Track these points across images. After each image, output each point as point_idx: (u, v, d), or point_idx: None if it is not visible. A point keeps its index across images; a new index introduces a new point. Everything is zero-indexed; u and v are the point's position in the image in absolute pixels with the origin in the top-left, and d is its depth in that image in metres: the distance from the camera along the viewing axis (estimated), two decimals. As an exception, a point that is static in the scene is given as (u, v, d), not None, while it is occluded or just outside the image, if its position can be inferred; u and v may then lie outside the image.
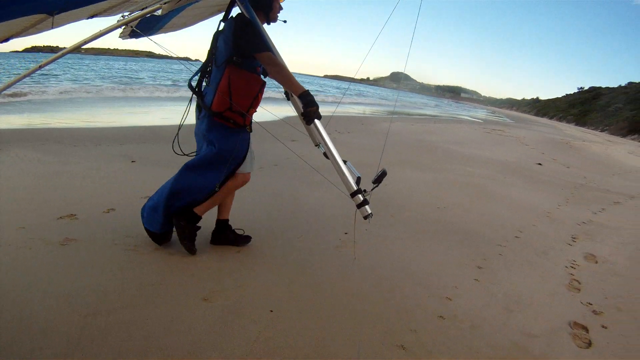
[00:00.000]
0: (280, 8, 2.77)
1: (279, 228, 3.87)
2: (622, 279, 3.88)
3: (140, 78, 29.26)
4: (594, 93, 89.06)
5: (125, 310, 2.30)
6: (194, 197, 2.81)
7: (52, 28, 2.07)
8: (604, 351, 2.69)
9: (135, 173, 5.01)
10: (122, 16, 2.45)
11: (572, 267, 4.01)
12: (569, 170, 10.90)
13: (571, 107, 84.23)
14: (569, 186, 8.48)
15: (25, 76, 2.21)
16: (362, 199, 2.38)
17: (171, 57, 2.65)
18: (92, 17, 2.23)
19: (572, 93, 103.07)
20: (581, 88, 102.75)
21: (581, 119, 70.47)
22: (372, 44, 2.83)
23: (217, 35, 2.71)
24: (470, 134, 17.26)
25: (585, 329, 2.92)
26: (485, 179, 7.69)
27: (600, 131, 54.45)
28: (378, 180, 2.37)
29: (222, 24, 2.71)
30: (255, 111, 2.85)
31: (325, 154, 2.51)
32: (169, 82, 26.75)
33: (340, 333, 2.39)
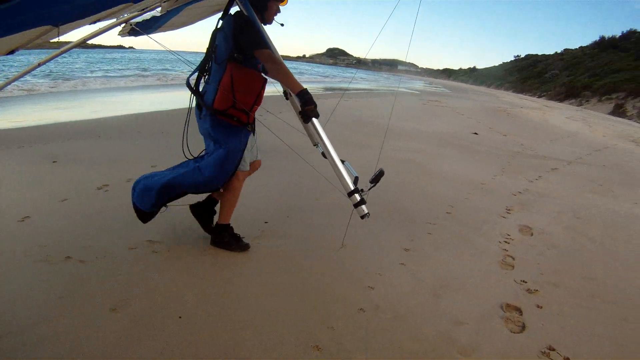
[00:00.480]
0: (278, 11, 2.92)
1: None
2: (559, 251, 3.95)
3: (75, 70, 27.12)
4: (531, 60, 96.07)
5: (35, 328, 2.28)
6: (190, 191, 2.95)
7: (58, 37, 2.16)
8: (538, 334, 2.63)
9: (55, 175, 4.90)
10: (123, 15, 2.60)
11: (506, 241, 4.00)
12: (505, 138, 11.40)
13: (508, 75, 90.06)
14: (505, 155, 8.81)
15: (24, 73, 2.31)
16: (359, 198, 2.54)
17: (173, 56, 2.84)
18: (95, 22, 2.38)
19: (508, 61, 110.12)
20: (517, 56, 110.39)
21: (519, 86, 75.82)
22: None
23: (216, 33, 2.83)
24: (406, 106, 17.60)
25: (519, 310, 2.88)
26: (420, 154, 7.74)
27: (538, 97, 58.87)
28: (375, 180, 2.54)
29: (221, 22, 2.83)
30: (258, 108, 2.95)
31: (323, 154, 2.69)
32: (101, 74, 25.61)
33: (252, 337, 2.34)
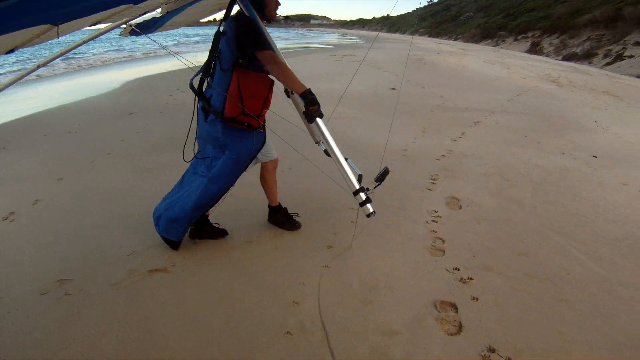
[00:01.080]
0: (278, 4, 3.02)
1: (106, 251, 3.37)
2: (489, 224, 3.95)
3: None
4: (444, 4, 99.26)
5: None
6: (214, 202, 3.17)
7: (58, 37, 2.30)
8: (476, 334, 2.55)
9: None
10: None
11: (433, 220, 3.93)
12: (424, 91, 11.53)
13: (422, 20, 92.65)
14: (425, 111, 8.89)
15: (23, 76, 2.38)
16: (364, 197, 2.68)
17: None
18: (95, 24, 2.52)
19: (422, 7, 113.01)
20: (431, 1, 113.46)
21: (434, 31, 78.33)
22: None
23: (219, 36, 2.90)
24: (320, 65, 17.22)
25: (454, 307, 2.79)
26: (337, 122, 7.44)
27: (454, 40, 61.21)
28: (381, 178, 2.69)
29: (223, 24, 2.93)
30: (267, 111, 3.10)
31: (326, 152, 2.87)
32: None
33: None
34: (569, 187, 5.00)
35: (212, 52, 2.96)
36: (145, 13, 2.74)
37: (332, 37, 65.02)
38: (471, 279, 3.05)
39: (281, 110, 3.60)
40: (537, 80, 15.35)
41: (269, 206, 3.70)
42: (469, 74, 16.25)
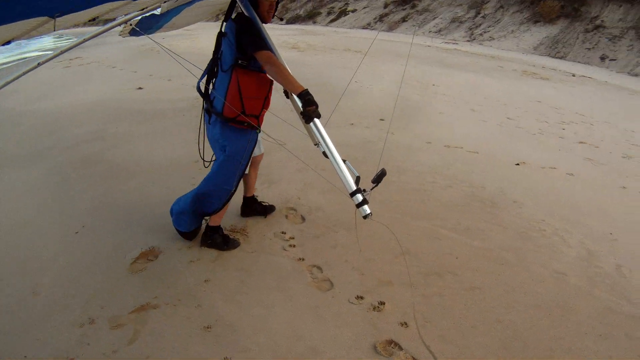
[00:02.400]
0: (272, 6, 3.06)
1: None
2: (346, 230, 3.82)
3: None
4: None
5: None
6: (216, 203, 3.25)
7: (54, 31, 2.39)
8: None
9: None
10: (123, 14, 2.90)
11: (291, 246, 3.54)
12: (172, 83, 10.41)
13: None
14: (190, 110, 7.89)
15: (24, 73, 2.48)
16: (361, 198, 2.64)
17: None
18: (92, 20, 2.60)
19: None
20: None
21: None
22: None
23: (220, 37, 3.05)
24: (41, 78, 14.10)
25: (394, 343, 2.55)
26: (98, 141, 6.04)
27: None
28: (377, 180, 2.69)
29: (224, 24, 3.07)
30: (266, 111, 3.25)
31: (324, 153, 2.89)
32: None
33: None
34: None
35: (215, 53, 3.10)
36: (144, 11, 2.88)
37: (47, 41, 55.67)
38: (382, 303, 2.85)
39: (280, 112, 3.71)
40: (279, 49, 15.99)
41: (244, 197, 3.86)
42: (209, 55, 15.77)
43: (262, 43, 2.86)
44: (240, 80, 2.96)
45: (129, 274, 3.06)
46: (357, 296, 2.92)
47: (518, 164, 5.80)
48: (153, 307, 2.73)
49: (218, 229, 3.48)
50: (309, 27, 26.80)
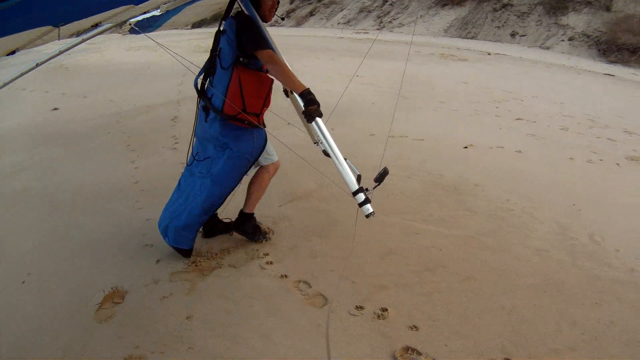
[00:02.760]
0: (274, 5, 3.19)
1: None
2: (320, 237, 3.78)
3: None
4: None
5: None
6: (220, 204, 3.36)
7: (59, 39, 2.56)
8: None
9: None
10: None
11: (268, 263, 3.45)
12: (87, 100, 9.82)
13: None
14: (101, 130, 7.24)
15: (23, 74, 2.65)
16: (363, 197, 2.75)
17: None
18: (95, 26, 2.79)
19: None
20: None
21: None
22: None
23: (219, 35, 3.13)
24: None
25: (412, 349, 2.53)
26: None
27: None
28: (380, 179, 2.83)
29: (223, 23, 3.13)
30: (267, 109, 3.32)
31: (324, 152, 3.23)
32: None
33: None
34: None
35: (213, 50, 3.16)
36: (145, 12, 3.05)
37: None
38: (385, 309, 2.84)
39: (280, 110, 3.74)
40: (192, 54, 15.56)
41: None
42: (119, 67, 15.06)
43: (263, 42, 2.94)
44: (241, 78, 3.04)
45: (97, 323, 2.76)
46: (357, 306, 2.88)
47: (466, 147, 6.09)
48: (138, 359, 2.52)
49: (251, 217, 3.64)
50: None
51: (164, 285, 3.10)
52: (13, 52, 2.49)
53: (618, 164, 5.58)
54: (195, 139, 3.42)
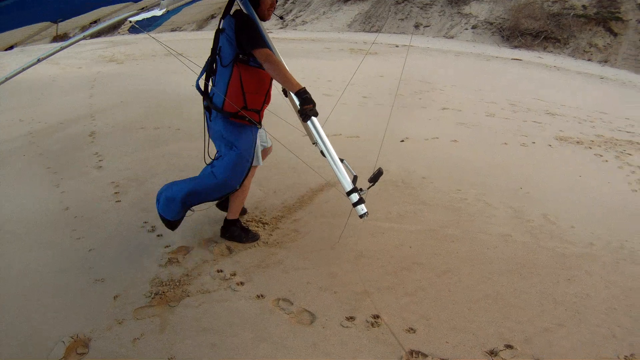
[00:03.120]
0: (273, 5, 3.35)
1: None
2: (289, 251, 3.70)
3: None
4: None
5: None
6: (212, 196, 3.48)
7: (57, 36, 2.76)
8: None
9: None
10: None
11: (228, 278, 3.34)
12: None
13: None
14: (29, 147, 6.82)
15: (24, 69, 2.68)
16: (357, 197, 2.97)
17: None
18: (94, 22, 2.89)
19: None
20: None
21: None
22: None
23: (218, 33, 3.26)
24: None
25: (418, 353, 2.60)
26: None
27: None
28: (374, 179, 3.02)
29: (222, 22, 3.27)
30: (267, 106, 3.51)
31: (322, 152, 3.22)
32: None
33: None
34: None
35: (213, 49, 3.29)
36: (144, 11, 3.21)
37: None
38: (377, 316, 2.87)
39: (278, 111, 3.97)
40: (97, 64, 14.67)
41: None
42: (22, 84, 13.68)
43: (261, 41, 3.08)
44: (242, 75, 3.19)
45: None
46: (347, 317, 2.87)
47: (403, 140, 6.31)
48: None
49: (236, 221, 3.79)
50: (117, 38, 25.21)
51: (130, 325, 2.84)
52: (11, 48, 2.63)
53: (550, 145, 6.11)
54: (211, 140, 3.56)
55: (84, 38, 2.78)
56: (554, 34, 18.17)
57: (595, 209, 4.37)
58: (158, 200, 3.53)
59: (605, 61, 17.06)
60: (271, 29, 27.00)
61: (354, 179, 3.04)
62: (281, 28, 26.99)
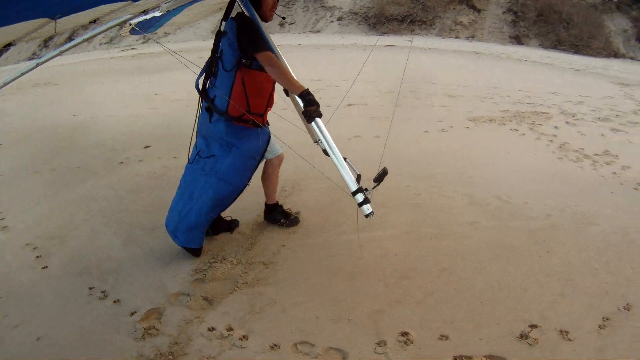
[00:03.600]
0: (274, 5, 3.48)
1: None
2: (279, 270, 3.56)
3: None
4: None
5: None
6: (228, 204, 3.73)
7: (55, 33, 2.72)
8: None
9: None
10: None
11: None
12: None
13: None
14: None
15: (23, 74, 2.79)
16: (362, 197, 3.03)
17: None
18: (93, 21, 2.97)
19: None
20: None
21: None
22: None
23: (219, 36, 3.39)
24: None
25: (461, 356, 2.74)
26: None
27: None
28: (379, 179, 3.05)
29: (223, 24, 3.41)
30: (270, 109, 3.67)
31: (324, 151, 3.35)
32: None
33: None
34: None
35: (214, 52, 3.42)
36: (145, 12, 3.34)
37: None
38: (406, 333, 2.92)
39: (279, 110, 3.98)
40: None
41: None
42: None
43: (263, 43, 3.16)
44: (245, 79, 3.31)
45: None
46: (377, 342, 2.87)
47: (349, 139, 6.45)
48: None
49: (277, 205, 4.22)
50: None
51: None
52: (9, 45, 2.66)
53: (468, 127, 6.61)
54: (198, 137, 3.68)
55: (84, 41, 2.89)
56: (419, 17, 19.37)
57: (536, 182, 4.89)
58: (176, 236, 3.66)
59: (472, 37, 18.61)
60: (134, 45, 25.64)
61: (358, 178, 3.11)
62: (143, 42, 25.76)
